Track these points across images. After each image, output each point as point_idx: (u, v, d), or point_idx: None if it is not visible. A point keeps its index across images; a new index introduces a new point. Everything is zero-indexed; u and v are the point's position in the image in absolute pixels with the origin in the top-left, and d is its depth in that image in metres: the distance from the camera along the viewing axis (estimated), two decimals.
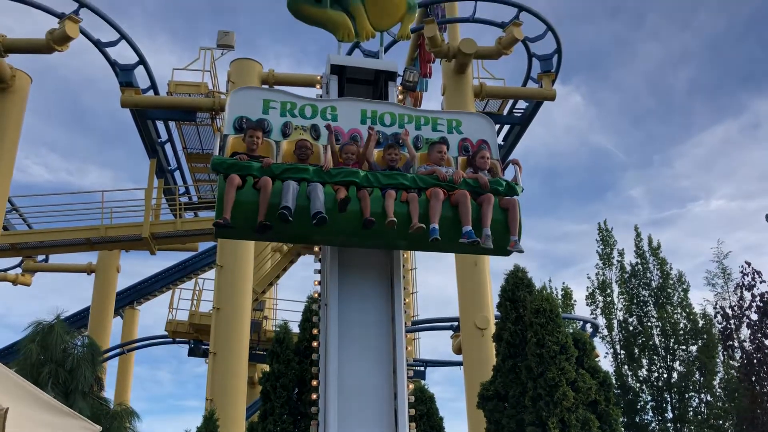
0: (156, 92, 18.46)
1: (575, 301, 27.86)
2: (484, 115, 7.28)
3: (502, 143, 21.70)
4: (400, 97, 7.99)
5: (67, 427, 4.05)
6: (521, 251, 6.20)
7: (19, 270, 24.77)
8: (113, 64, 17.60)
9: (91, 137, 68.99)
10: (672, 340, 23.45)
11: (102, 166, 69.60)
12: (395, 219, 5.74)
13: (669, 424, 22.89)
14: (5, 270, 24.33)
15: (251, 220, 5.63)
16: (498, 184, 6.27)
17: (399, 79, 8.09)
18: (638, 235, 25.96)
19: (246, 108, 6.52)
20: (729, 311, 18.04)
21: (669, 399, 23.11)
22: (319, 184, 5.79)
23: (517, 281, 10.33)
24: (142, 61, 17.76)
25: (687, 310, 24.14)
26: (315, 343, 6.62)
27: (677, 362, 23.52)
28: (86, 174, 64.99)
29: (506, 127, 21.25)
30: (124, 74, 17.46)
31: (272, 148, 6.33)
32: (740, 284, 17.59)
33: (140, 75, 18.12)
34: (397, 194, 5.96)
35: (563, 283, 35.54)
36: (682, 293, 24.56)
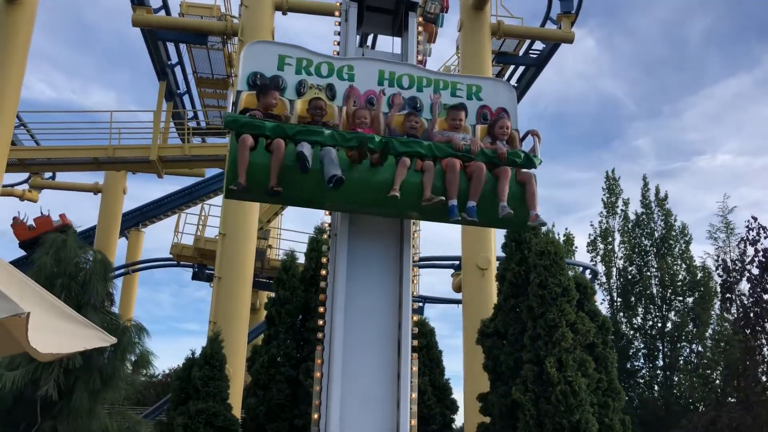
0: (168, 13, 18.12)
1: (576, 247, 28.05)
2: (505, 82, 7.01)
3: (516, 85, 21.44)
4: (420, 28, 7.85)
5: (84, 335, 4.14)
6: (544, 224, 6.05)
7: (26, 186, 24.91)
8: None
9: (96, 56, 68.17)
10: (669, 291, 23.72)
11: (106, 87, 69.03)
12: (397, 194, 5.56)
13: (659, 372, 23.40)
14: (12, 185, 24.45)
15: (264, 183, 5.50)
16: (516, 156, 6.04)
17: (419, 10, 7.91)
18: (646, 185, 25.93)
19: (260, 63, 6.28)
20: (730, 264, 18.16)
21: (661, 347, 23.55)
22: (332, 149, 5.59)
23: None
24: None
25: (687, 262, 24.33)
26: (324, 272, 6.69)
27: (672, 312, 23.86)
28: (90, 94, 64.54)
29: (520, 69, 20.95)
30: None
31: (286, 107, 6.14)
32: (744, 238, 17.63)
33: None
34: (412, 162, 5.75)
35: (566, 228, 35.70)
36: (683, 245, 24.71)
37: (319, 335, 6.46)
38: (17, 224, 22.30)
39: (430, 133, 6.27)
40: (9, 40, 15.81)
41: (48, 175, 24.79)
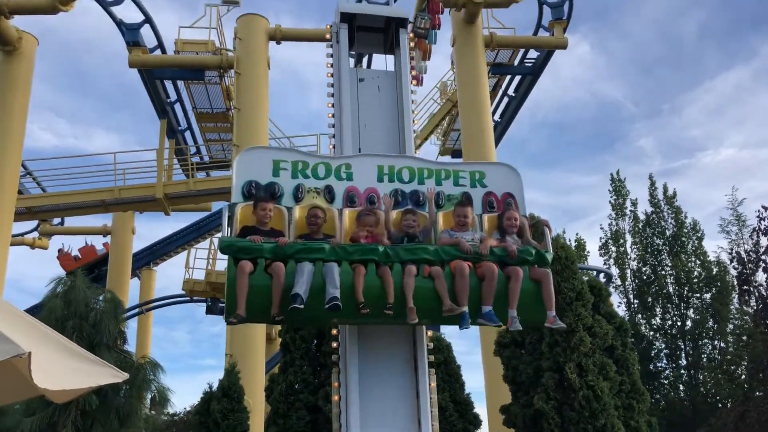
0: (163, 51, 18.31)
1: (588, 252, 27.90)
2: (509, 165, 6.65)
3: (513, 95, 21.50)
4: (411, 44, 7.87)
5: (95, 373, 4.11)
6: (563, 328, 5.79)
7: (35, 234, 25.06)
8: (119, 23, 17.43)
9: (96, 101, 68.97)
10: (686, 288, 23.50)
11: (108, 130, 69.72)
12: (416, 318, 5.28)
13: (683, 371, 23.11)
14: (22, 234, 24.60)
15: (266, 306, 5.26)
16: (527, 254, 5.66)
17: (410, 27, 7.94)
18: (653, 184, 25.83)
19: (255, 171, 6.00)
20: (745, 256, 17.97)
21: (683, 346, 23.28)
22: (335, 265, 5.34)
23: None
24: (148, 19, 17.59)
25: (701, 258, 24.13)
26: None
27: (691, 310, 23.63)
28: (93, 138, 65.18)
29: (517, 78, 21.01)
30: (130, 33, 17.30)
31: (284, 216, 5.86)
32: (757, 229, 17.46)
33: (146, 36, 17.96)
34: (418, 269, 5.48)
35: (576, 234, 35.52)
36: (696, 241, 24.53)
37: (334, 358, 6.38)
38: (63, 255, 22.81)
39: (430, 229, 5.98)
40: (9, 90, 16.06)
41: (57, 221, 24.95)
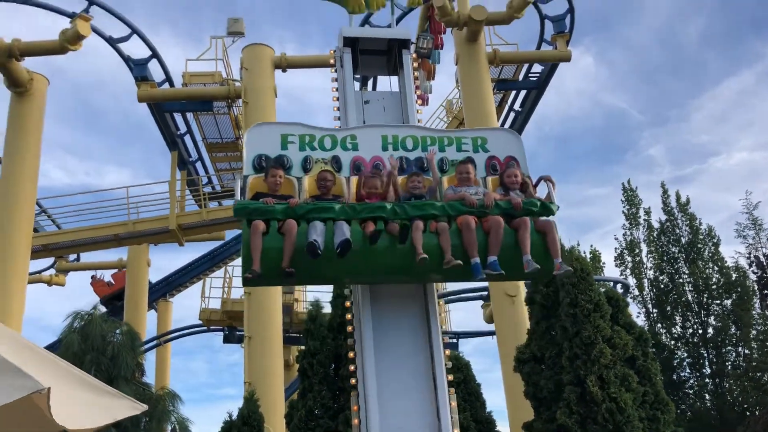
0: (171, 84, 18.55)
1: (604, 263, 27.71)
2: (510, 130, 6.89)
3: (519, 109, 21.54)
4: (415, 64, 7.93)
5: (114, 406, 4.13)
6: (570, 271, 5.91)
7: (52, 271, 25.26)
8: (127, 59, 17.69)
9: (106, 137, 69.75)
10: (705, 295, 23.24)
11: (119, 165, 70.40)
12: (426, 255, 5.41)
13: (707, 380, 22.77)
14: (39, 272, 24.80)
15: (278, 265, 5.40)
16: (532, 205, 5.87)
17: (413, 48, 8.00)
18: (665, 191, 25.68)
19: (264, 145, 6.30)
20: (764, 260, 17.76)
21: (705, 354, 22.96)
22: (344, 222, 5.53)
23: None
24: (155, 54, 17.84)
25: (719, 264, 23.88)
26: (349, 316, 6.63)
27: (712, 317, 23.33)
28: (104, 174, 65.84)
29: (522, 93, 21.07)
30: (138, 69, 17.54)
31: (294, 185, 6.12)
32: None
33: (153, 70, 18.21)
34: (425, 225, 5.64)
35: (591, 246, 35.33)
36: (712, 248, 24.30)
37: (353, 381, 6.36)
38: (96, 282, 23.27)
39: (435, 188, 6.18)
40: (22, 131, 16.29)
41: (72, 257, 25.14)
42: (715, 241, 24.43)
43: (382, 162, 6.29)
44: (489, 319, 20.87)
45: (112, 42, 17.43)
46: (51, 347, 20.74)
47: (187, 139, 20.74)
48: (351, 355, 6.48)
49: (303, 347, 10.93)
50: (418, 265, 5.45)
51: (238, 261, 23.32)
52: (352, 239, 5.40)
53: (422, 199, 5.96)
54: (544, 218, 5.90)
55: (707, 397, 22.49)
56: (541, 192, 6.35)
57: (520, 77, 20.32)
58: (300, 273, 5.48)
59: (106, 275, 23.80)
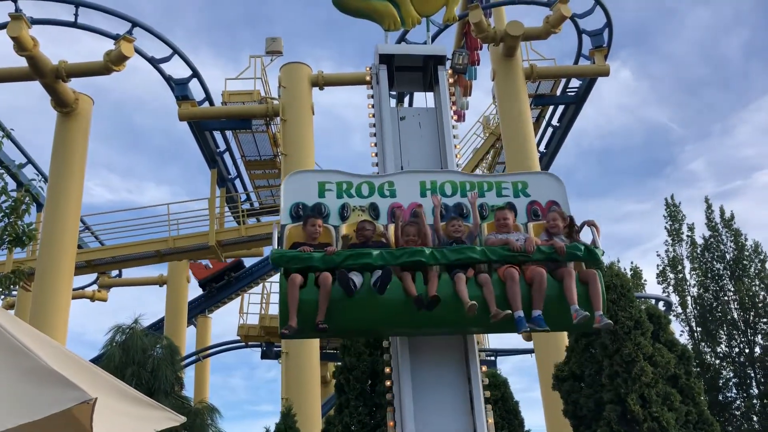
0: (211, 103, 18.91)
1: (645, 280, 27.14)
2: (551, 173, 6.76)
3: (557, 125, 21.39)
4: (451, 80, 7.96)
5: (152, 418, 4.19)
6: (610, 326, 5.61)
7: (95, 287, 25.79)
8: (168, 79, 18.10)
9: (147, 155, 71.24)
10: (752, 313, 22.57)
11: (159, 183, 71.77)
12: (475, 303, 5.28)
13: (755, 401, 22.05)
14: (83, 287, 25.34)
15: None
16: (576, 249, 5.68)
17: (448, 63, 8.04)
18: (709, 207, 25.08)
19: (301, 193, 6.24)
20: None
21: (753, 375, 22.25)
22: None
23: None
24: (195, 74, 18.22)
25: (766, 281, 23.20)
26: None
27: (759, 335, 22.62)
28: (145, 191, 67.17)
29: (560, 108, 20.94)
30: (179, 88, 17.92)
31: (332, 234, 6.02)
32: None
33: (194, 89, 18.60)
34: (465, 271, 5.55)
35: (631, 262, 34.72)
36: (759, 264, 23.62)
37: (389, 396, 6.35)
38: (195, 264, 23.85)
39: (475, 233, 6.04)
40: (68, 150, 16.79)
41: (115, 273, 25.65)
42: (761, 257, 23.73)
43: (422, 209, 6.15)
44: (527, 337, 20.60)
45: (154, 62, 17.88)
46: (93, 362, 21.14)
47: (226, 156, 21.08)
48: (387, 370, 6.47)
49: (340, 363, 10.95)
50: (468, 315, 5.29)
51: (276, 277, 23.53)
52: (390, 289, 5.31)
53: (462, 244, 5.82)
54: (588, 268, 5.73)
55: (755, 418, 21.76)
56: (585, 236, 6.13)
57: (558, 92, 20.20)
58: (335, 326, 5.40)
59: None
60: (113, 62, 16.17)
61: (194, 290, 24.97)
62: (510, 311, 5.36)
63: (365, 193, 6.34)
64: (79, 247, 18.69)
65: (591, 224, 6.03)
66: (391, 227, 6.04)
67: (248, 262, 24.56)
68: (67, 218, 16.29)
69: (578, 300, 5.46)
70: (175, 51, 17.78)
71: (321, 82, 17.98)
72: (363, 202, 6.27)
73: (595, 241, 5.89)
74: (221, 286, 24.55)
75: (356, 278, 5.38)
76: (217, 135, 20.31)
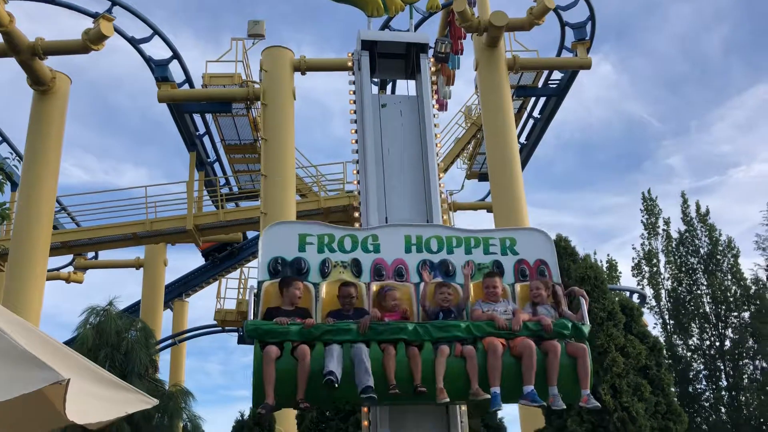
0: (191, 86, 18.73)
1: (620, 273, 27.52)
2: (540, 230, 6.49)
3: (538, 116, 21.50)
4: (433, 69, 7.95)
5: (124, 400, 4.17)
6: (598, 407, 5.42)
7: (71, 268, 25.53)
8: (148, 60, 17.89)
9: (124, 136, 70.41)
10: (723, 307, 22.99)
11: (136, 165, 71.04)
12: (424, 389, 5.08)
13: (723, 393, 22.50)
14: (58, 269, 25.07)
15: (294, 395, 5.12)
16: (563, 327, 5.46)
17: (431, 52, 8.02)
18: (685, 202, 25.46)
19: (280, 246, 5.92)
20: None
21: (722, 367, 22.69)
22: (363, 346, 5.19)
23: (560, 251, 10.23)
24: (176, 55, 18.03)
25: (738, 276, 23.62)
26: None
27: (729, 329, 23.07)
28: (122, 173, 66.49)
29: (542, 100, 21.04)
30: (159, 69, 17.73)
31: (311, 293, 5.72)
32: None
33: (174, 71, 18.40)
34: (451, 347, 5.28)
35: (608, 255, 35.13)
36: (732, 259, 24.04)
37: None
38: None
39: (464, 305, 5.75)
40: (44, 128, 16.54)
41: (91, 255, 25.40)
42: (734, 252, 24.17)
43: (405, 267, 5.94)
44: None
45: (134, 42, 17.65)
46: (66, 344, 20.96)
47: (206, 140, 20.93)
48: None
49: None
50: (438, 401, 5.10)
51: (254, 263, 23.46)
52: (373, 367, 5.07)
53: (451, 314, 5.60)
54: (577, 343, 5.50)
55: (723, 410, 22.22)
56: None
57: (540, 84, 20.29)
58: (315, 400, 5.22)
59: None
60: (92, 41, 15.93)
61: (171, 273, 24.83)
62: (489, 396, 5.15)
63: (347, 247, 6.02)
64: (55, 227, 18.48)
65: (579, 294, 5.82)
66: (373, 286, 5.77)
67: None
68: (43, 198, 16.09)
69: (565, 374, 5.30)
70: (156, 32, 17.57)
71: (303, 67, 17.89)
72: (345, 257, 5.95)
73: (583, 314, 5.67)
74: (224, 256, 24.34)
75: (336, 366, 5.05)
76: (197, 118, 20.14)
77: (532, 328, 5.40)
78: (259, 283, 5.71)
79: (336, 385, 4.95)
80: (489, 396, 5.15)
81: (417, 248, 6.07)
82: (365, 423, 6.21)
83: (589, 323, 5.64)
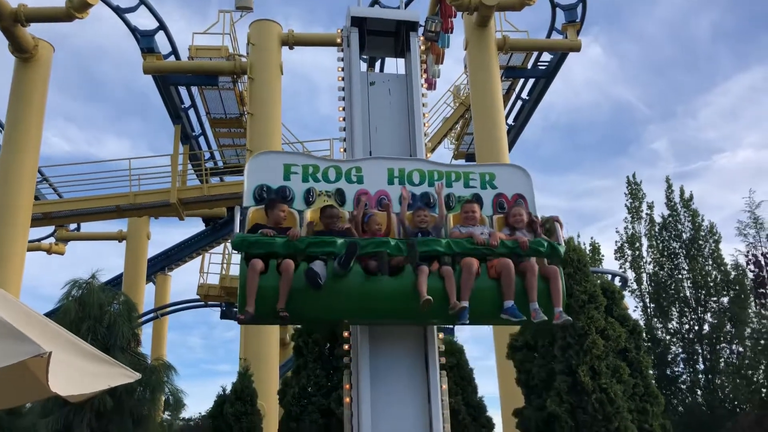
0: (177, 57, 18.48)
1: (603, 256, 27.71)
2: (519, 166, 6.65)
3: (527, 98, 21.47)
4: (423, 48, 7.90)
5: (108, 373, 4.16)
6: (569, 322, 5.66)
7: (52, 239, 25.32)
8: (133, 30, 17.61)
9: (107, 107, 69.59)
10: (703, 292, 23.27)
11: (120, 136, 70.33)
12: (431, 298, 5.26)
13: (700, 376, 22.86)
14: (39, 240, 24.85)
15: (275, 307, 5.27)
16: (539, 245, 5.67)
17: (421, 30, 7.97)
18: (669, 186, 25.61)
19: (266, 175, 6.06)
20: (762, 259, 17.79)
21: (700, 351, 23.02)
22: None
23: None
24: (162, 26, 17.77)
25: (718, 261, 23.90)
26: None
27: (708, 314, 23.37)
28: (104, 144, 65.82)
29: (531, 82, 21.00)
30: (145, 40, 17.48)
31: (296, 219, 5.88)
32: None
33: (160, 42, 18.15)
34: (430, 263, 5.50)
35: (591, 238, 35.33)
36: (713, 245, 24.28)
37: (346, 360, 6.40)
38: None
39: (441, 225, 6.02)
40: (26, 97, 16.28)
41: (73, 226, 25.19)
42: (716, 238, 24.39)
43: (388, 197, 6.11)
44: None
45: (120, 12, 17.36)
46: (47, 316, 20.85)
47: (191, 113, 20.74)
48: (346, 334, 6.52)
49: (299, 326, 10.98)
50: (422, 310, 5.28)
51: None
52: (352, 279, 5.27)
53: (428, 235, 5.80)
54: (549, 264, 5.76)
55: (699, 392, 22.60)
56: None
57: (529, 65, 20.23)
58: (296, 314, 5.34)
59: None
60: (76, 9, 15.61)
61: (154, 247, 24.69)
62: (466, 305, 5.35)
63: (332, 178, 6.19)
64: (36, 198, 18.27)
65: (555, 220, 6.06)
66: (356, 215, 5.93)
67: None
68: (24, 168, 15.87)
69: (538, 295, 5.50)
70: (142, 1, 17.30)
71: (291, 41, 17.69)
72: (329, 187, 6.12)
73: (558, 237, 5.90)
74: (224, 222, 24.21)
75: (320, 270, 5.25)
76: (182, 90, 19.91)
77: (509, 245, 5.67)
78: (245, 209, 5.84)
79: (320, 281, 5.17)
80: (466, 305, 5.37)
81: (399, 180, 6.29)
82: (347, 399, 6.27)
83: (564, 245, 5.88)
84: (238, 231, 5.60)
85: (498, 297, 5.48)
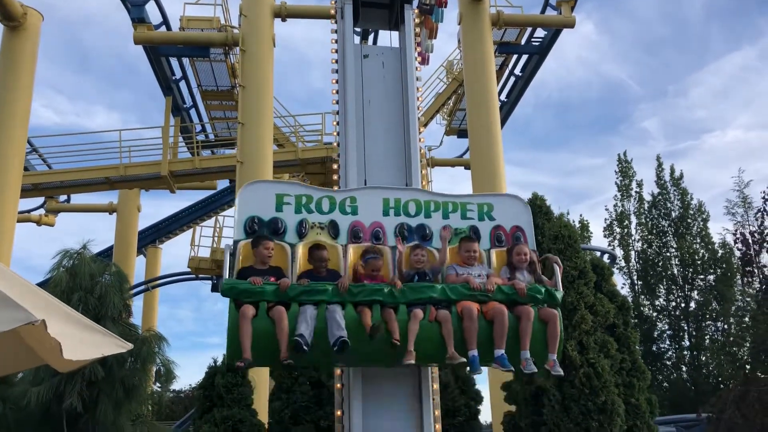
0: (168, 28, 18.25)
1: (592, 233, 27.93)
2: (518, 197, 6.48)
3: (520, 74, 21.39)
4: (417, 21, 7.84)
5: (99, 343, 4.17)
6: (560, 374, 5.48)
7: (42, 210, 25.19)
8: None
9: (97, 78, 68.87)
10: (690, 270, 23.52)
11: (109, 108, 69.73)
12: (413, 359, 5.15)
13: (686, 352, 23.20)
14: (29, 211, 24.72)
15: (270, 350, 5.12)
16: (536, 292, 5.52)
17: (415, 3, 7.90)
18: (660, 165, 25.75)
19: (257, 206, 5.85)
20: (749, 237, 17.96)
21: (686, 328, 23.34)
22: (338, 307, 5.24)
23: (535, 209, 10.31)
24: None
25: (706, 240, 24.12)
26: None
27: (695, 291, 23.66)
28: (94, 115, 65.25)
29: (524, 58, 20.90)
30: (135, 10, 17.22)
31: (287, 253, 5.71)
32: (762, 210, 17.43)
33: (151, 12, 17.89)
34: (425, 310, 5.35)
35: (580, 215, 35.53)
36: (701, 223, 24.51)
37: (338, 386, 6.33)
38: None
39: (440, 268, 5.80)
40: (15, 66, 16.04)
41: (63, 198, 25.06)
42: (704, 216, 24.64)
43: (383, 229, 5.93)
44: None
45: None
46: (38, 286, 20.82)
47: (182, 85, 20.52)
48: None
49: None
50: (405, 362, 5.18)
51: (230, 211, 23.35)
52: (347, 328, 5.11)
53: (425, 276, 5.64)
54: (549, 309, 5.58)
55: (684, 368, 22.97)
56: None
57: (523, 41, 20.12)
58: (294, 360, 5.20)
59: None
60: None
61: (144, 220, 24.64)
62: (465, 359, 5.24)
63: (325, 209, 5.98)
64: (26, 169, 18.13)
65: (554, 262, 5.91)
66: (351, 248, 5.78)
67: (202, 194, 24.27)
68: (13, 138, 15.70)
69: (535, 338, 5.38)
70: None
71: (284, 14, 17.47)
72: (322, 218, 5.93)
73: (556, 281, 5.76)
74: (168, 219, 24.25)
75: (306, 329, 5.08)
76: (174, 62, 19.69)
77: (506, 292, 5.50)
78: (236, 243, 5.67)
79: (305, 349, 4.99)
80: (465, 360, 5.24)
81: (395, 212, 6.09)
82: (338, 386, 6.31)
83: (562, 290, 5.74)
84: (227, 268, 5.42)
85: (491, 342, 5.32)
